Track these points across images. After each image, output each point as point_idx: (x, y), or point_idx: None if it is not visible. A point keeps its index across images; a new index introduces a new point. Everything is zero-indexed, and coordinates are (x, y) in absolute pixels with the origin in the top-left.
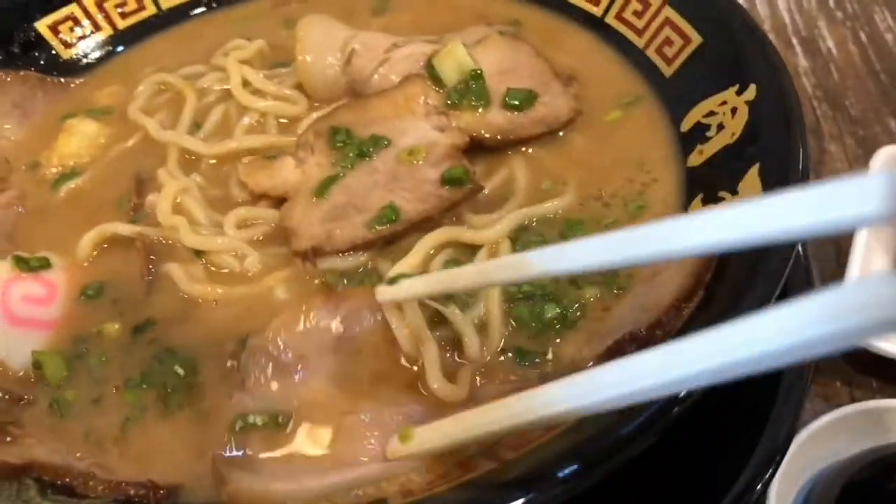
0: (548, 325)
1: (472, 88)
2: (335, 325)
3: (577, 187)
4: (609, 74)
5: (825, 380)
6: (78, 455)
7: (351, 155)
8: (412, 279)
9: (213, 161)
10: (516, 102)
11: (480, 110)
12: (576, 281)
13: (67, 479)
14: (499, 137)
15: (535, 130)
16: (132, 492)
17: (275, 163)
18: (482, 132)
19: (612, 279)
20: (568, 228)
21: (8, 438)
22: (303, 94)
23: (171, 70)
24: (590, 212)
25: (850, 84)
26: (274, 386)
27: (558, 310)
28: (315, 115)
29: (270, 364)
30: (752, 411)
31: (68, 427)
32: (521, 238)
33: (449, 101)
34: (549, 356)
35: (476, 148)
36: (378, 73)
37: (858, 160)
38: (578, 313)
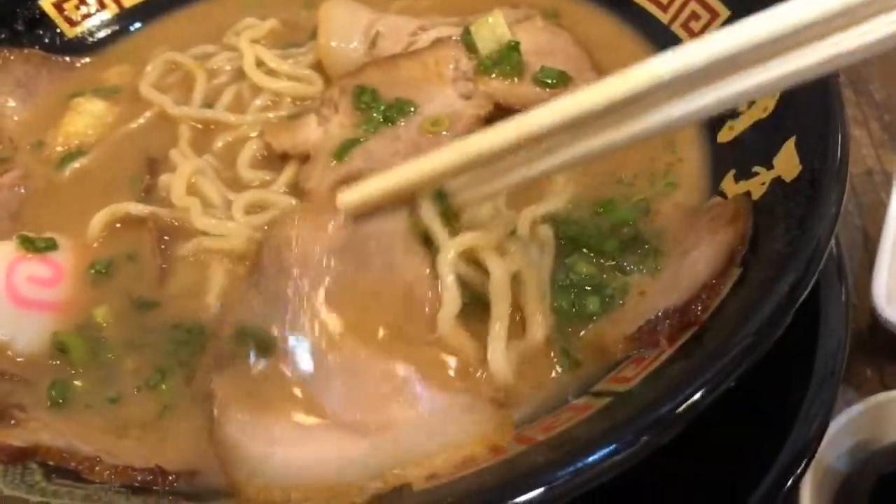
0: (587, 316)
1: (506, 58)
2: (360, 244)
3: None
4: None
5: (855, 368)
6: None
7: (375, 117)
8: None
9: (229, 140)
10: (548, 80)
11: (510, 80)
12: (623, 267)
13: (73, 464)
14: (522, 108)
15: None
16: (139, 477)
17: (298, 121)
18: (508, 101)
19: (655, 257)
20: (602, 207)
21: (12, 422)
22: (319, 75)
23: (181, 50)
24: (613, 191)
25: (874, 68)
26: (282, 291)
27: (599, 302)
28: None
29: (282, 268)
30: (784, 401)
31: (75, 411)
32: (561, 228)
33: (481, 67)
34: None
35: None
36: (399, 52)
37: (884, 145)
38: (619, 300)
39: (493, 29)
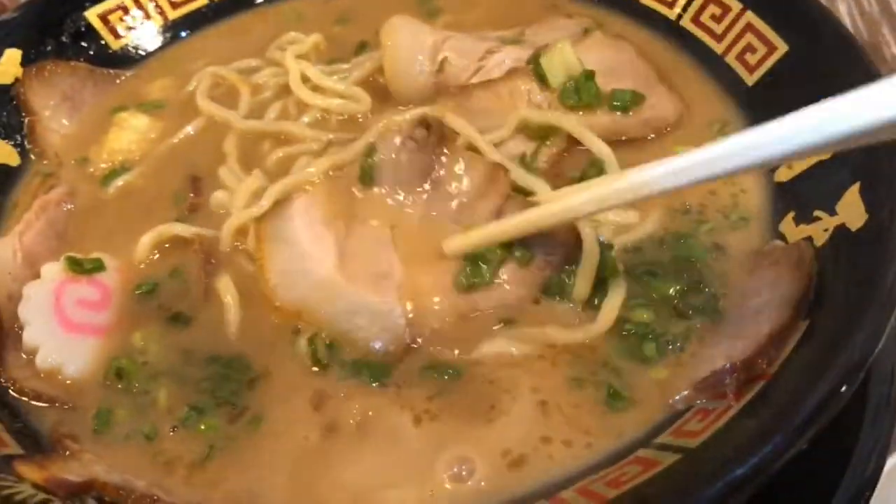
0: (643, 361)
1: (583, 89)
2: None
3: (660, 205)
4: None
5: None
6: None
7: None
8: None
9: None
10: (623, 103)
11: (588, 111)
12: (683, 312)
13: (129, 501)
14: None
15: (639, 132)
16: None
17: None
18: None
19: (715, 302)
20: (676, 243)
21: (66, 453)
22: (365, 92)
23: (223, 63)
24: (685, 224)
25: None
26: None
27: (656, 349)
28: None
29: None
30: (837, 440)
31: (124, 442)
32: (635, 266)
33: (561, 98)
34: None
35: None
36: (473, 82)
37: None
38: (679, 347)
39: (563, 60)
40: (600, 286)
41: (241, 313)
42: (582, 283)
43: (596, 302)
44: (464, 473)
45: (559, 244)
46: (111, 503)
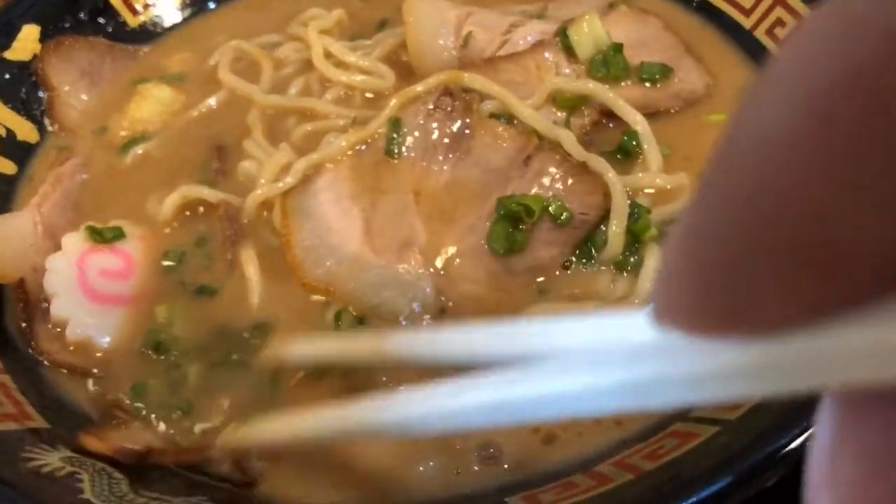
0: None
1: (611, 62)
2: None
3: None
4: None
5: None
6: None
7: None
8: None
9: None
10: (651, 76)
11: (616, 83)
12: None
13: (191, 460)
14: None
15: (669, 105)
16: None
17: None
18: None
19: None
20: None
21: (115, 422)
22: (390, 69)
23: (243, 38)
24: None
25: None
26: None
27: None
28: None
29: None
30: None
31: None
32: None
33: (591, 71)
34: None
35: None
36: (498, 55)
37: None
38: None
39: (591, 32)
40: (635, 251)
41: (266, 287)
42: (614, 239)
43: (629, 268)
44: (491, 450)
45: (594, 204)
46: (140, 478)
